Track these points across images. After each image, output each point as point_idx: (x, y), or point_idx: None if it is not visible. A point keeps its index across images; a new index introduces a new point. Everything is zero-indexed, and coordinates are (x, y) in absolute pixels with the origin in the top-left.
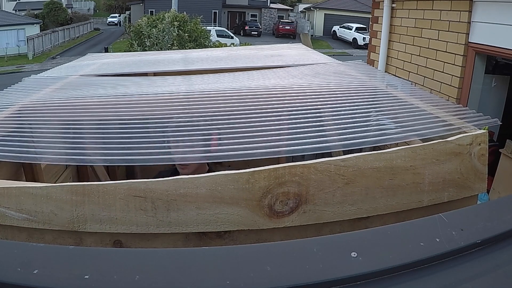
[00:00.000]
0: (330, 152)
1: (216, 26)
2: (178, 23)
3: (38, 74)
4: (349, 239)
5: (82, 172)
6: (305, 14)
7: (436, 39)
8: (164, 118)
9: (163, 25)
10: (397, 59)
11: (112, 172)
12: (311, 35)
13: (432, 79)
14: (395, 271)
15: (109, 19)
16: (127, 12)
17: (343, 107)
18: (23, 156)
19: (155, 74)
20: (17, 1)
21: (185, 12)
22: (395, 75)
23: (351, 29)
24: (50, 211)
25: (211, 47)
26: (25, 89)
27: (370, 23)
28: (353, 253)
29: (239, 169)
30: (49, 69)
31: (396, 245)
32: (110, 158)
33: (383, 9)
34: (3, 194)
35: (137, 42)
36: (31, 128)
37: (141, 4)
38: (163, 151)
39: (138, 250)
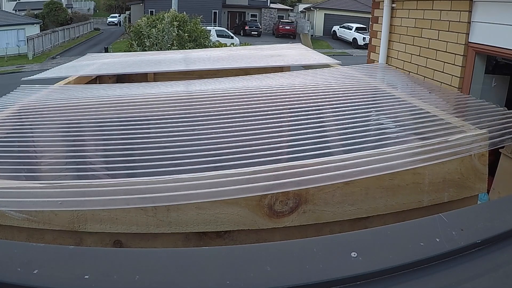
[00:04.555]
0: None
1: (216, 26)
2: (178, 23)
3: (38, 74)
4: (349, 239)
5: None
6: (305, 14)
7: (436, 39)
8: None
9: (163, 25)
10: (397, 59)
11: None
12: (311, 35)
13: (432, 79)
14: (395, 271)
15: (109, 19)
16: (127, 12)
17: (344, 107)
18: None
19: (156, 74)
20: (17, 1)
21: (185, 12)
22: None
23: (351, 29)
24: (50, 211)
25: (211, 47)
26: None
27: (370, 23)
28: (353, 253)
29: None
30: (49, 69)
31: (396, 245)
32: (111, 166)
33: (383, 9)
34: (3, 194)
35: (136, 42)
36: (31, 128)
37: (141, 4)
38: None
39: (138, 250)
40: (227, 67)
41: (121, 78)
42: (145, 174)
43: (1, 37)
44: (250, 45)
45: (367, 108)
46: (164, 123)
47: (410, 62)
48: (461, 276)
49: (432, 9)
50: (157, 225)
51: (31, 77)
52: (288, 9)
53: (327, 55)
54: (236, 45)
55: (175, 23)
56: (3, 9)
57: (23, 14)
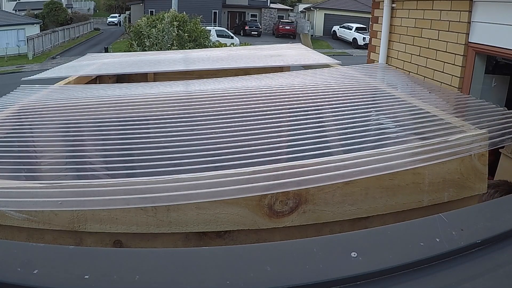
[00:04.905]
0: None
1: (216, 26)
2: (178, 23)
3: (38, 74)
4: (349, 239)
5: None
6: (305, 14)
7: (436, 39)
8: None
9: (163, 25)
10: (397, 59)
11: None
12: (311, 35)
13: (432, 79)
14: (395, 271)
15: (109, 19)
16: (127, 12)
17: (343, 107)
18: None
19: (156, 74)
20: (17, 1)
21: (184, 12)
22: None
23: (351, 29)
24: (50, 211)
25: (211, 47)
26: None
27: (370, 23)
28: (353, 253)
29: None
30: (49, 69)
31: (396, 245)
32: (111, 166)
33: (383, 9)
34: (3, 194)
35: (136, 42)
36: (31, 128)
37: (141, 4)
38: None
39: (138, 250)
40: (226, 67)
41: (121, 78)
42: (145, 174)
43: (1, 37)
44: (250, 45)
45: (367, 108)
46: (163, 123)
47: (410, 62)
48: (461, 276)
49: (432, 9)
50: (157, 225)
51: (31, 77)
52: (288, 9)
53: (327, 55)
54: (236, 45)
55: (175, 23)
56: (3, 9)
57: (23, 14)
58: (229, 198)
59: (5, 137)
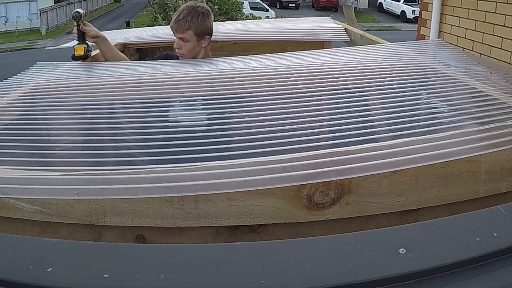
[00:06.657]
0: (376, 136)
1: None
2: None
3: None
4: (397, 233)
5: None
6: None
7: (493, 12)
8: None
9: None
10: (450, 34)
11: None
12: (354, 8)
13: (489, 56)
14: (448, 269)
15: None
16: None
17: (391, 88)
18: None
19: None
20: None
21: None
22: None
23: (399, 1)
24: (66, 203)
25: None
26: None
27: None
28: (402, 249)
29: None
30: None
31: (449, 241)
32: (132, 152)
33: None
34: (14, 184)
35: (161, 15)
36: (44, 110)
37: None
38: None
39: (163, 246)
40: (260, 38)
41: (143, 56)
42: (170, 162)
43: (11, 10)
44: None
45: (417, 89)
46: (189, 105)
47: (465, 38)
48: None
49: None
50: (184, 218)
51: (52, 47)
52: None
53: (373, 30)
54: (271, 19)
55: None
56: None
57: None
58: (264, 188)
59: (15, 121)
